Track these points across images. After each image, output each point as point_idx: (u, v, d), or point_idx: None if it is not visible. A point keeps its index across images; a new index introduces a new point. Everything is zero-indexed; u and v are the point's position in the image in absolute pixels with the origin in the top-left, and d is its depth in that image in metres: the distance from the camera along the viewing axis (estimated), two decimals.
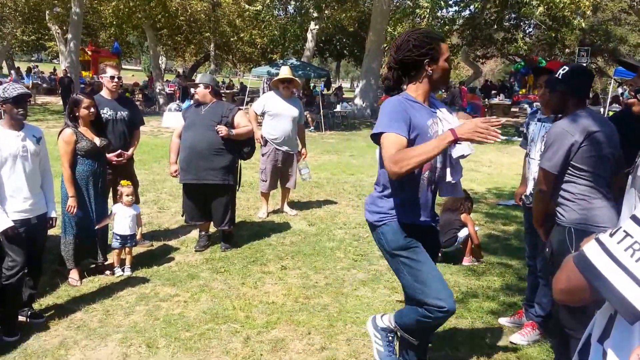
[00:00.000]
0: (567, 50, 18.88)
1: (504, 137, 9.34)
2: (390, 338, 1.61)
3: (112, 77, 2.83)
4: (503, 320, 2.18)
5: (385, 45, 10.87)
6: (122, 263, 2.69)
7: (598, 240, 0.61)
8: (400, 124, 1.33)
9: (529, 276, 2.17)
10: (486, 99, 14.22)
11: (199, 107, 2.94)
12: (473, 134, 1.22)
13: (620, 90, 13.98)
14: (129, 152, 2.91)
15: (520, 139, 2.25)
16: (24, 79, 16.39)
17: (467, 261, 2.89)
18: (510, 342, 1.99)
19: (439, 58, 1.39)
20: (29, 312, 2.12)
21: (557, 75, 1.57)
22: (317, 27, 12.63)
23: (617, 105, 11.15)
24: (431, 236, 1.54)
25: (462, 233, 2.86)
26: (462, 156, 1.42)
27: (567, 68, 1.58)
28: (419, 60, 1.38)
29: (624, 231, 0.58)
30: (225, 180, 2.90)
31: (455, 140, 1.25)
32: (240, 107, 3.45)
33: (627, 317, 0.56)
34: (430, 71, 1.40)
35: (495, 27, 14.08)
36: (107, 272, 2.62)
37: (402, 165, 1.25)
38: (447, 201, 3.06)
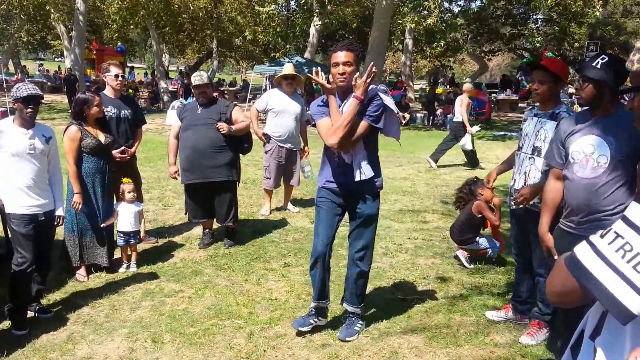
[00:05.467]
0: (576, 44, 18.52)
1: (512, 134, 9.24)
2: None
3: (116, 76, 2.85)
4: (490, 314, 2.19)
5: (394, 39, 10.67)
6: (127, 259, 2.72)
7: (589, 242, 0.60)
8: None
9: (516, 272, 2.17)
10: (492, 95, 14.04)
11: (201, 106, 2.92)
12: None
13: None
14: (132, 149, 2.94)
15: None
16: (31, 77, 16.57)
17: (461, 255, 2.78)
18: (520, 342, 1.97)
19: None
20: (37, 307, 2.16)
21: (595, 64, 1.47)
22: (320, 22, 12.55)
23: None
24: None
25: (482, 242, 2.77)
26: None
27: (606, 57, 1.48)
28: None
29: (615, 232, 0.58)
30: (230, 176, 2.92)
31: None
32: (236, 103, 3.46)
33: (619, 317, 0.56)
34: None
35: (503, 20, 13.82)
36: (115, 267, 2.66)
37: None
38: (459, 200, 2.95)
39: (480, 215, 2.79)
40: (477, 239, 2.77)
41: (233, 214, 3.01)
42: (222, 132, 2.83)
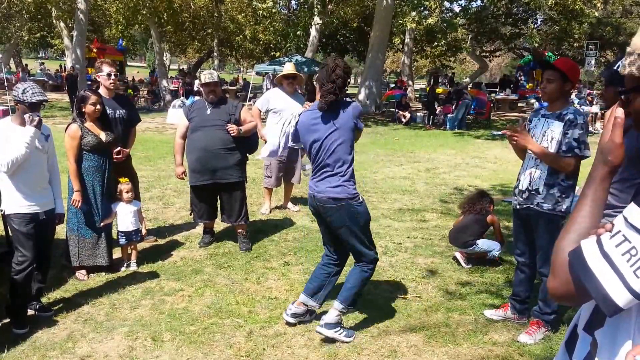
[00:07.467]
0: (575, 44, 18.51)
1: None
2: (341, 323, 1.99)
3: (108, 75, 2.77)
4: (488, 313, 2.19)
5: (395, 39, 10.65)
6: (127, 258, 2.73)
7: (598, 240, 0.61)
8: None
9: (516, 271, 2.17)
10: (492, 94, 14.04)
11: (210, 105, 2.87)
12: None
13: None
14: (128, 150, 2.91)
15: None
16: (32, 76, 16.56)
17: (460, 256, 2.81)
18: (518, 341, 1.98)
19: None
20: (37, 306, 2.17)
21: (616, 68, 1.50)
22: (321, 21, 12.55)
23: None
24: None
25: (482, 244, 2.77)
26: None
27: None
28: None
29: (623, 235, 0.59)
30: (240, 177, 2.91)
31: None
32: (244, 103, 3.45)
33: (605, 309, 0.58)
34: None
35: (503, 20, 13.80)
36: (115, 267, 2.66)
37: None
38: (472, 206, 2.94)
39: (483, 227, 2.84)
40: (477, 241, 2.79)
41: (244, 212, 2.99)
42: (233, 135, 2.80)
